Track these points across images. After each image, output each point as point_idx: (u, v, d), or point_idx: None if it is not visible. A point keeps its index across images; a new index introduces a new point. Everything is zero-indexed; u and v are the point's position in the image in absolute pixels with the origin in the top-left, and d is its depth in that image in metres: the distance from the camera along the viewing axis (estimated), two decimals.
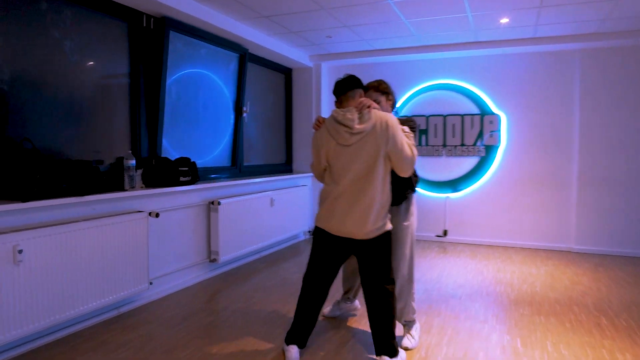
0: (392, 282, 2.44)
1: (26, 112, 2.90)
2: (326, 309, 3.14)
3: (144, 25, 3.68)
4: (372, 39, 5.04)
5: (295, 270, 4.34)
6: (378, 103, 2.57)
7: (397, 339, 2.48)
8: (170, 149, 4.06)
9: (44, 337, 2.69)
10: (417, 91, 5.76)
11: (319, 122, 2.48)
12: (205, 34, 4.24)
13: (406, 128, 2.45)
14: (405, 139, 2.34)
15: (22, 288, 2.46)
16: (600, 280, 4.02)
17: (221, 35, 4.40)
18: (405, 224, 2.68)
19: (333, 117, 2.37)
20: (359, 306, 3.23)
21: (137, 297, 3.34)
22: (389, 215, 2.44)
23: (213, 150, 4.67)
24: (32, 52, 2.91)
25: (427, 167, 5.75)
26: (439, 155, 5.68)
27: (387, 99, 2.68)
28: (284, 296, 3.59)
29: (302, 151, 6.12)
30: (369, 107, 2.32)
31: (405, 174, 2.37)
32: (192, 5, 3.79)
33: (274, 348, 2.63)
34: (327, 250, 2.44)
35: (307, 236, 5.98)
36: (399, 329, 2.68)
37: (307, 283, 2.50)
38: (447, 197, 5.68)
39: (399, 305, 2.65)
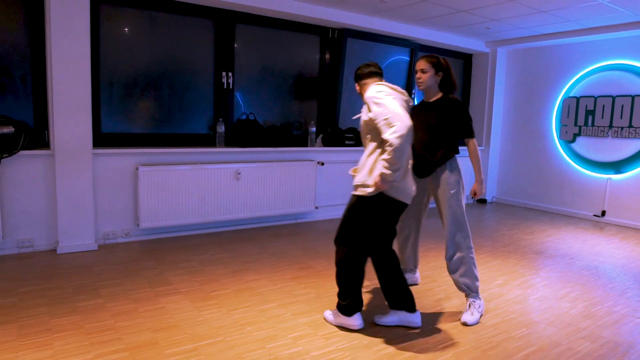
0: (344, 242, 2.59)
1: (249, 97, 5.06)
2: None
3: (330, 36, 5.44)
4: (533, 26, 5.53)
5: (437, 225, 5.56)
6: (424, 73, 2.88)
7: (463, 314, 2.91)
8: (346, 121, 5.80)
9: (252, 224, 4.87)
10: (586, 73, 5.86)
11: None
12: (375, 37, 5.72)
13: (375, 97, 2.43)
14: (374, 107, 2.41)
15: (240, 193, 4.63)
16: None
17: (391, 36, 5.79)
18: (453, 192, 2.85)
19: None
20: (419, 279, 3.48)
21: (307, 215, 5.27)
22: (369, 180, 2.45)
23: None
24: (257, 61, 5.04)
25: (591, 148, 5.86)
26: (604, 136, 5.71)
27: (436, 73, 2.90)
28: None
29: (476, 124, 6.96)
30: None
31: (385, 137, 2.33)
32: (364, 18, 5.33)
33: None
34: None
35: (472, 201, 6.91)
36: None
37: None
38: (609, 178, 5.70)
39: (460, 272, 2.84)
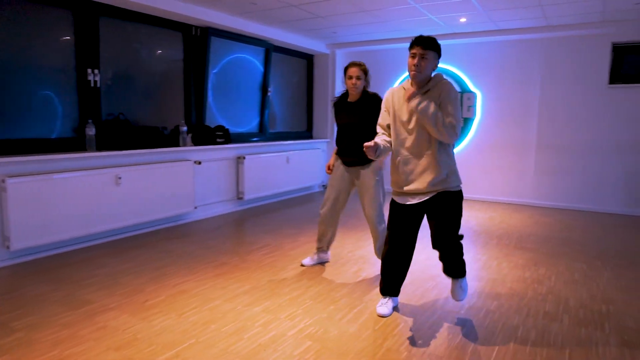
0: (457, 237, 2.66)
1: (119, 96, 4.70)
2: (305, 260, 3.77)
3: (193, 33, 5.36)
4: (369, 32, 6.42)
5: (302, 212, 6.01)
6: (359, 79, 3.31)
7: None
8: (219, 118, 5.79)
9: (138, 230, 4.55)
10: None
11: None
12: (237, 36, 5.86)
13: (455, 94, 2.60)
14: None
15: (121, 198, 4.29)
16: (524, 220, 5.34)
17: (250, 36, 5.99)
18: (377, 178, 3.36)
19: None
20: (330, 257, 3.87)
21: (186, 216, 5.16)
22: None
23: (249, 121, 6.38)
24: (123, 57, 4.69)
25: None
26: None
27: (365, 79, 3.36)
28: (292, 225, 5.27)
29: (320, 121, 7.68)
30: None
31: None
32: (228, 18, 5.41)
33: (270, 243, 4.32)
34: None
35: (322, 189, 7.61)
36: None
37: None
38: None
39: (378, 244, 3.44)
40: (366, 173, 3.37)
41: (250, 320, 2.68)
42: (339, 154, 3.51)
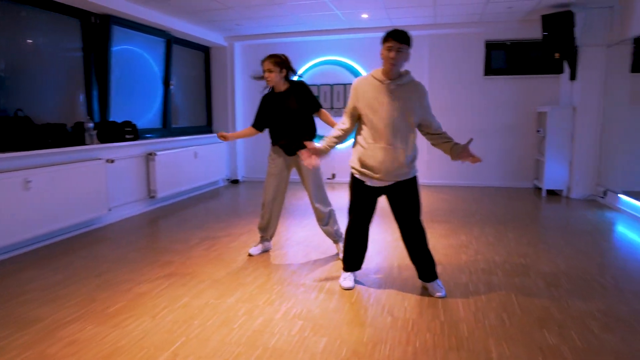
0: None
1: (15, 90, 4.13)
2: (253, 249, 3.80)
3: (92, 21, 4.90)
4: (271, 25, 6.50)
5: (217, 206, 5.90)
6: (271, 72, 3.37)
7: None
8: (121, 113, 5.36)
9: (43, 240, 4.06)
10: (310, 66, 7.35)
11: None
12: (139, 26, 5.49)
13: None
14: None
15: (32, 205, 3.81)
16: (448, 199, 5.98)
17: (151, 26, 5.65)
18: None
19: None
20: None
21: (101, 219, 4.74)
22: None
23: (152, 116, 6.01)
24: (17, 46, 4.12)
25: (319, 124, 7.41)
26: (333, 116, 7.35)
27: (280, 71, 3.40)
28: (217, 219, 5.15)
29: (220, 115, 7.55)
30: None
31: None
32: (128, 5, 5.04)
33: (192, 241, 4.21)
34: None
35: (226, 182, 7.51)
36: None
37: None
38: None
39: (330, 224, 3.58)
40: None
41: (230, 312, 2.66)
42: (280, 145, 3.57)
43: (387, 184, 2.80)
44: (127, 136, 5.10)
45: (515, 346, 2.25)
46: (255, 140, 7.79)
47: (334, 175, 7.49)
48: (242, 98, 7.72)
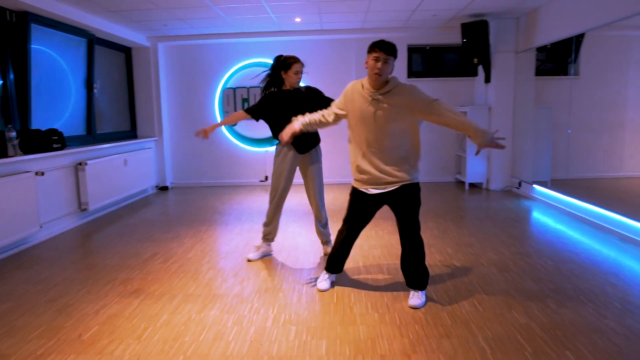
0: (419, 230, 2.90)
1: None
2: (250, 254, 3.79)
3: (8, 18, 4.41)
4: (201, 27, 6.33)
5: (154, 214, 5.63)
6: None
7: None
8: (41, 120, 4.88)
9: None
10: (238, 68, 7.26)
11: None
12: (59, 24, 5.04)
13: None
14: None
15: None
16: None
17: (72, 25, 5.22)
18: (321, 165, 3.67)
19: None
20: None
21: (32, 238, 4.31)
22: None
23: (75, 122, 5.55)
24: None
25: (249, 128, 7.39)
26: None
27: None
28: (162, 229, 4.91)
29: (145, 119, 7.18)
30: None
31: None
32: (47, 2, 4.61)
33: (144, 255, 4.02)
34: None
35: (155, 190, 7.18)
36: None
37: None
38: (267, 150, 7.42)
39: (328, 227, 3.77)
40: (317, 156, 3.63)
41: (218, 324, 2.63)
42: (292, 143, 3.47)
43: (382, 191, 2.80)
44: (55, 145, 4.68)
45: (494, 328, 2.51)
46: (183, 145, 7.54)
47: (266, 178, 7.50)
48: (167, 100, 7.40)
